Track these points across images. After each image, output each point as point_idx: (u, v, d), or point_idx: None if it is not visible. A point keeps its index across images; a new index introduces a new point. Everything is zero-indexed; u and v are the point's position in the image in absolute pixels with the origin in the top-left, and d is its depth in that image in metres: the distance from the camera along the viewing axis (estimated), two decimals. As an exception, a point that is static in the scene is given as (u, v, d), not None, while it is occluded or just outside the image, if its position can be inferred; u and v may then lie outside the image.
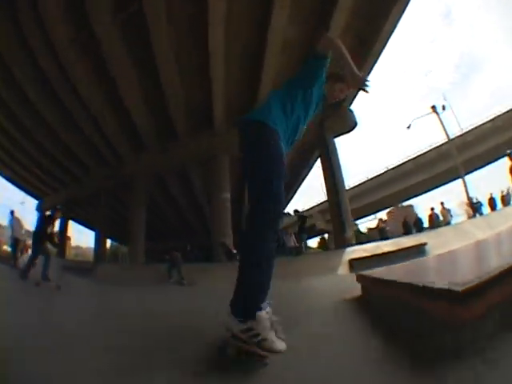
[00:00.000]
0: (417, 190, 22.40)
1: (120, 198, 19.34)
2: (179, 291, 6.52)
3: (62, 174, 18.76)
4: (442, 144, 18.39)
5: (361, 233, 22.32)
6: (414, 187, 21.36)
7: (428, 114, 15.74)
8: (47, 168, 18.24)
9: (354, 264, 8.97)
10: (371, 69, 11.59)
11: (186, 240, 29.79)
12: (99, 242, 17.13)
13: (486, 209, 12.58)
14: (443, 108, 15.23)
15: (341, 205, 11.16)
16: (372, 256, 9.27)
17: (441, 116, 15.05)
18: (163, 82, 10.90)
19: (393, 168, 22.15)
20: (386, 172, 22.50)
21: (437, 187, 22.86)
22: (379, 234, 11.23)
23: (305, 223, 9.97)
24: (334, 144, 12.47)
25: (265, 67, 10.68)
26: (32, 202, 24.43)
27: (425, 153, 20.28)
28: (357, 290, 2.98)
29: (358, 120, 13.16)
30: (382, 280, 2.85)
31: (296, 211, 11.42)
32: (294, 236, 10.21)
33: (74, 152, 15.88)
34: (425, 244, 9.07)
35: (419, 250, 8.62)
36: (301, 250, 9.65)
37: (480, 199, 13.03)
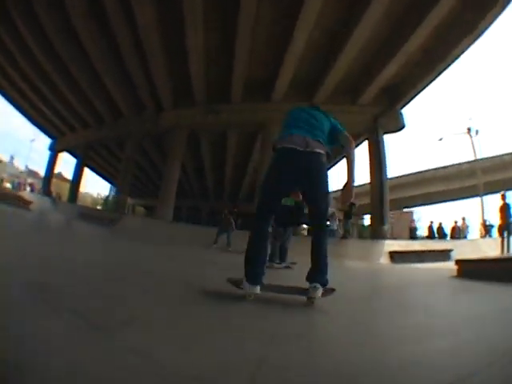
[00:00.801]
0: (425, 200, 23.34)
1: (145, 149, 18.98)
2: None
3: (89, 114, 17.79)
4: (466, 162, 19.28)
5: (364, 227, 23.15)
6: (426, 196, 22.26)
7: (462, 133, 17.04)
8: (73, 105, 17.15)
9: (394, 256, 9.66)
10: (435, 77, 11.88)
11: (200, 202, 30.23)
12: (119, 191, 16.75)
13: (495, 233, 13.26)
14: (476, 133, 16.79)
15: (383, 197, 11.69)
16: (408, 252, 10.00)
17: (473, 139, 16.44)
18: (237, 42, 10.46)
19: (412, 173, 22.94)
20: (403, 176, 23.20)
21: (447, 201, 23.93)
22: (409, 233, 11.93)
23: (352, 209, 10.27)
24: (383, 139, 12.87)
25: (342, 55, 10.52)
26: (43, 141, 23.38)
27: (447, 166, 21.16)
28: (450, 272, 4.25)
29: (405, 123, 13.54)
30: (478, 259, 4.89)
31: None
32: (337, 220, 10.58)
33: (110, 92, 14.83)
34: (451, 250, 9.89)
35: (447, 254, 9.45)
36: (347, 235, 10.16)
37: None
